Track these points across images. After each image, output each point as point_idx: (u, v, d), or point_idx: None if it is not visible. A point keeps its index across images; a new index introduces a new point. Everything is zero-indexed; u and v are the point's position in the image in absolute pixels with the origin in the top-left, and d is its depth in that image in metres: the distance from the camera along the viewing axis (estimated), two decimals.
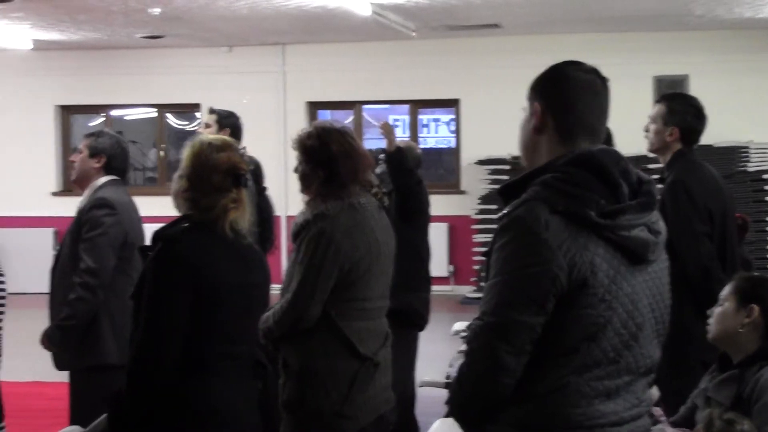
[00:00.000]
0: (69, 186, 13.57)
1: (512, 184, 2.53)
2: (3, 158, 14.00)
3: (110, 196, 4.70)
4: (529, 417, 2.42)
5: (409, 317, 5.70)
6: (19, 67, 14.08)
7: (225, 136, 3.47)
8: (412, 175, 5.78)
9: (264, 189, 6.71)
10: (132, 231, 4.76)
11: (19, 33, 12.48)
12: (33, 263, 11.93)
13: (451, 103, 13.77)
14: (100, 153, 4.78)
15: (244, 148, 5.33)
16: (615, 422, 2.44)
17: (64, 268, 4.69)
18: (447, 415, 6.15)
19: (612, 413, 2.44)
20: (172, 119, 14.73)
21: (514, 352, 2.38)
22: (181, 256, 3.11)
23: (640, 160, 9.59)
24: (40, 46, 13.29)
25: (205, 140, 3.32)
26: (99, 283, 4.57)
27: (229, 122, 6.45)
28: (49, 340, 4.63)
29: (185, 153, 3.31)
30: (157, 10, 10.68)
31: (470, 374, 2.45)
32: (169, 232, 3.19)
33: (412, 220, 5.72)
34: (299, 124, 12.53)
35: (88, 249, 4.59)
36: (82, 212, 4.69)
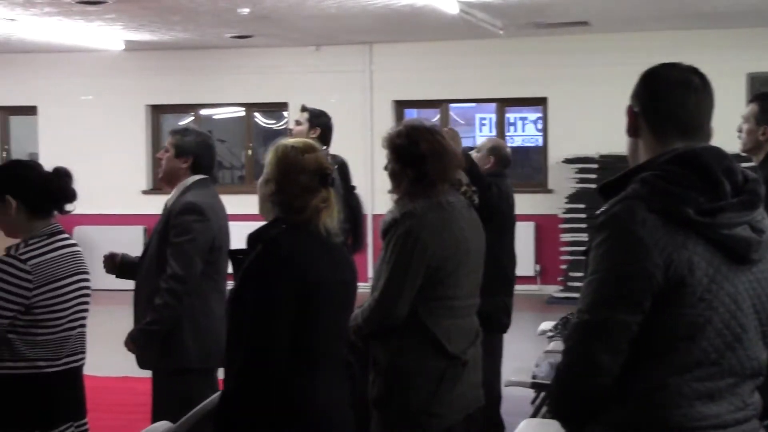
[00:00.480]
0: (158, 184, 13.76)
1: (611, 182, 2.52)
2: (95, 157, 14.25)
3: (200, 201, 4.68)
4: (629, 417, 2.39)
5: (489, 320, 5.65)
6: (111, 68, 14.33)
7: (305, 139, 3.44)
8: (480, 179, 5.66)
9: (353, 187, 6.71)
10: (219, 235, 4.75)
11: (111, 34, 12.70)
12: None
13: (539, 102, 13.65)
14: (187, 153, 4.76)
15: (325, 148, 5.32)
16: (717, 425, 2.40)
17: (150, 267, 4.71)
18: (533, 416, 6.11)
19: (714, 416, 2.39)
20: (260, 118, 14.86)
21: (609, 351, 2.36)
22: (283, 256, 3.13)
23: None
24: (132, 46, 13.51)
25: (288, 144, 3.32)
26: (185, 290, 4.58)
27: (320, 122, 6.44)
28: (133, 342, 4.66)
29: (269, 158, 3.30)
30: (246, 10, 10.77)
31: (567, 373, 2.44)
32: (269, 234, 3.20)
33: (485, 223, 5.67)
34: (386, 123, 12.55)
35: (175, 255, 4.60)
36: (172, 215, 4.70)
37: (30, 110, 14.78)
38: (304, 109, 6.55)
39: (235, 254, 3.31)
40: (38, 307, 3.63)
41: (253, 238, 3.22)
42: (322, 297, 3.16)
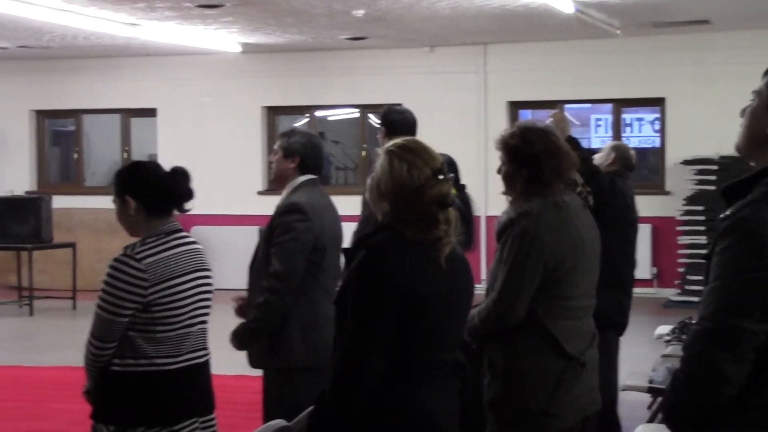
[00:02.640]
0: (272, 185, 13.93)
1: (736, 185, 2.40)
2: (212, 158, 14.49)
3: (303, 201, 4.70)
4: (751, 427, 2.30)
5: (603, 318, 5.55)
6: (228, 70, 14.56)
7: (415, 139, 3.31)
8: (594, 176, 5.50)
9: (463, 186, 6.65)
10: (324, 235, 4.74)
11: (228, 37, 12.90)
12: (239, 260, 12.31)
13: (656, 102, 13.42)
14: (294, 153, 4.79)
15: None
16: None
17: (259, 268, 4.76)
18: (649, 421, 6.01)
19: None
20: (374, 119, 14.91)
21: (734, 360, 2.26)
22: (384, 267, 3.05)
23: None
24: (248, 49, 13.70)
25: (398, 150, 3.18)
26: (287, 288, 4.60)
27: (386, 120, 6.16)
28: (237, 339, 4.71)
29: (380, 161, 3.22)
30: (360, 12, 10.82)
31: (686, 382, 2.34)
32: (372, 241, 3.15)
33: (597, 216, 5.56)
34: (500, 124, 12.48)
35: (277, 253, 4.62)
36: (275, 215, 4.75)
37: (150, 112, 15.11)
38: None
39: (346, 253, 3.29)
40: (156, 305, 3.68)
41: (359, 242, 3.20)
42: (427, 306, 3.09)
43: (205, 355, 3.89)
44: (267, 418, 4.65)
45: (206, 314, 3.87)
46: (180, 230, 3.85)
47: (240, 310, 4.84)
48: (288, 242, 4.62)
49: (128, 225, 3.83)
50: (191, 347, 3.80)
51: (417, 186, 3.10)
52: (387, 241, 3.12)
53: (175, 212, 3.87)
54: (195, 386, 3.85)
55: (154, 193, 3.79)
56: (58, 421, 7.20)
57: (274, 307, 4.61)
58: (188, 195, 3.85)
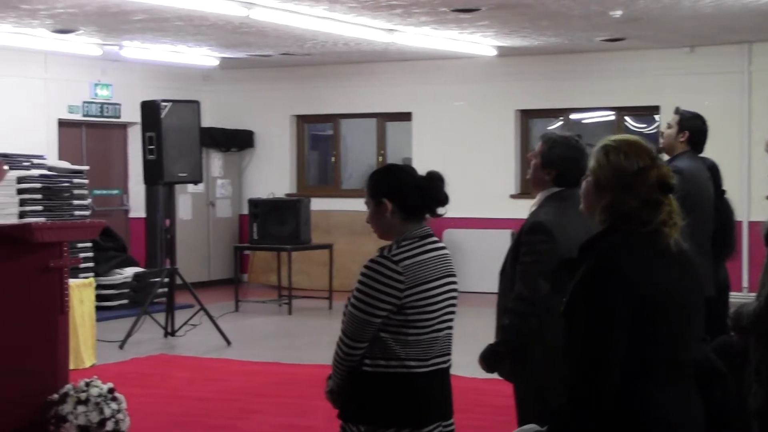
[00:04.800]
0: (526, 189, 13.87)
1: None
2: (465, 161, 14.56)
3: (548, 219, 4.59)
4: None
5: None
6: (483, 74, 14.59)
7: (631, 135, 3.23)
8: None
9: (723, 192, 6.41)
10: (571, 252, 4.63)
11: (483, 41, 12.93)
12: (490, 264, 12.31)
13: None
14: (552, 165, 4.68)
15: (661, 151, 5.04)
16: None
17: (506, 281, 4.71)
18: None
19: None
20: (630, 122, 14.58)
21: None
22: (618, 271, 2.98)
23: None
24: (503, 52, 13.68)
25: (619, 146, 3.12)
26: (530, 310, 4.53)
27: (689, 124, 6.21)
28: (484, 362, 4.68)
29: (596, 160, 3.13)
30: (618, 13, 10.60)
31: None
32: (601, 247, 3.07)
33: None
34: (765, 126, 11.94)
35: (521, 274, 4.55)
36: (522, 231, 4.67)
37: (405, 116, 15.34)
38: (676, 111, 6.34)
39: (568, 263, 3.21)
40: (409, 308, 3.70)
41: (585, 248, 3.11)
42: (662, 306, 2.99)
43: (449, 360, 3.89)
44: (521, 424, 4.64)
45: (452, 320, 3.87)
46: (432, 234, 3.86)
47: None
48: (530, 264, 4.53)
49: (381, 227, 3.85)
50: (438, 352, 3.81)
51: (636, 170, 3.06)
52: (616, 243, 3.05)
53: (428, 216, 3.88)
54: (440, 390, 3.85)
55: (410, 197, 3.80)
56: (315, 417, 7.39)
57: (519, 330, 4.55)
58: (443, 200, 3.86)
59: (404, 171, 3.92)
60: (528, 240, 4.58)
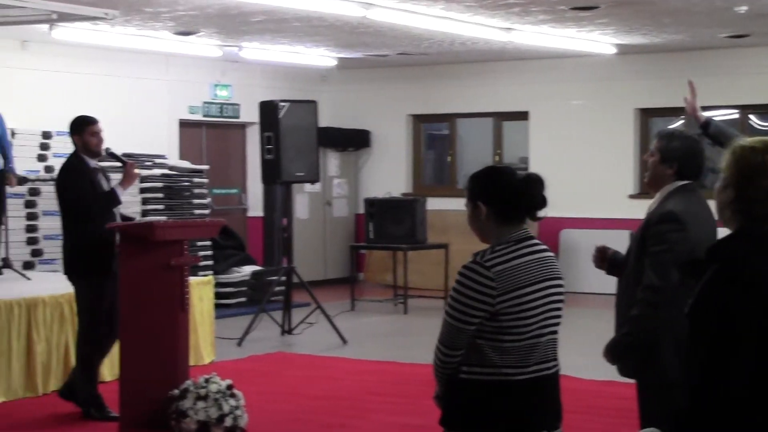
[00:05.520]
0: (645, 188, 13.63)
1: None
2: (583, 161, 14.40)
3: (678, 209, 4.52)
4: None
5: None
6: (602, 72, 14.40)
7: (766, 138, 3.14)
8: None
9: None
10: (700, 245, 4.54)
11: (602, 38, 12.76)
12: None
13: None
14: (672, 159, 4.63)
15: None
16: None
17: (628, 277, 4.65)
18: None
19: None
20: (754, 120, 14.23)
21: None
22: (742, 279, 2.87)
23: None
24: (623, 50, 13.49)
25: (746, 144, 3.04)
26: (661, 301, 4.46)
27: None
28: (610, 353, 4.61)
29: (724, 160, 3.04)
30: (743, 8, 10.35)
31: None
32: (724, 252, 2.97)
33: None
34: None
35: (651, 265, 4.48)
36: (650, 223, 4.60)
37: (522, 115, 15.23)
38: None
39: (695, 264, 3.10)
40: (504, 314, 3.61)
41: (710, 253, 3.01)
42: None
43: (554, 366, 3.77)
44: (644, 425, 4.54)
45: (556, 324, 3.76)
46: (531, 238, 3.76)
47: (599, 254, 4.77)
48: (662, 253, 4.46)
49: (479, 230, 3.80)
50: (540, 358, 3.70)
51: (761, 162, 2.95)
52: (744, 247, 2.93)
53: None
54: (543, 398, 3.75)
55: (505, 200, 3.73)
56: (430, 417, 7.34)
57: (648, 321, 4.47)
58: (542, 203, 3.76)
59: (501, 174, 3.83)
60: (658, 230, 4.50)
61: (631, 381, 4.82)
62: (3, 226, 9.76)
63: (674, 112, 14.29)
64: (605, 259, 4.80)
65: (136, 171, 7.49)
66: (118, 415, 7.03)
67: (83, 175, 7.29)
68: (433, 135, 16.72)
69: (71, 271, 7.41)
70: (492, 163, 15.00)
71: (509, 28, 11.74)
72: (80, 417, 7.39)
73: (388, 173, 16.03)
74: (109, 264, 7.16)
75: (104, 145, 7.43)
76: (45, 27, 10.69)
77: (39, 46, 12.28)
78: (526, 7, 10.44)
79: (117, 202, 7.29)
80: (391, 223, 13.19)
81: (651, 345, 4.49)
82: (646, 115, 14.54)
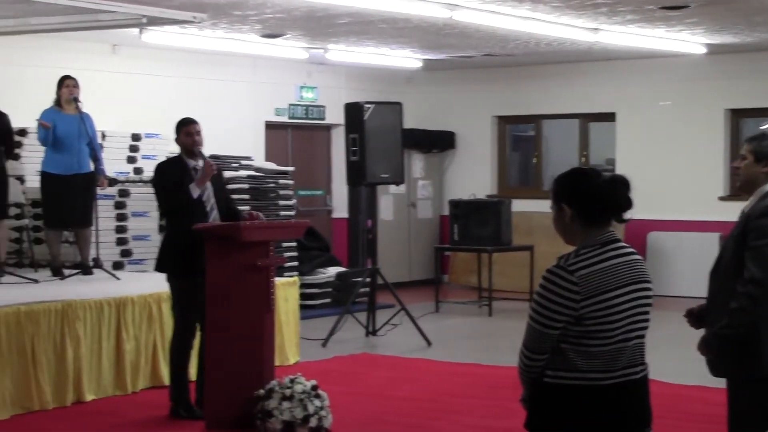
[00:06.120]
0: (736, 192, 13.39)
1: None
2: (671, 163, 14.21)
3: None
4: None
5: None
6: (691, 72, 14.19)
7: None
8: None
9: None
10: None
11: (691, 38, 12.56)
12: (695, 267, 11.98)
13: None
14: (766, 158, 4.61)
15: None
16: None
17: (725, 274, 4.59)
18: None
19: None
20: None
21: None
22: None
23: None
24: (713, 50, 13.26)
25: None
26: (763, 294, 4.41)
27: None
28: (706, 346, 4.57)
29: None
30: None
31: None
32: None
33: None
34: None
35: (754, 258, 4.45)
36: (750, 218, 4.55)
37: (608, 117, 15.06)
38: None
39: None
40: (588, 318, 3.58)
41: None
42: None
43: (642, 370, 3.72)
44: (734, 429, 4.51)
45: (644, 328, 3.70)
46: (617, 240, 3.71)
47: (692, 319, 4.70)
48: (765, 247, 4.43)
49: (564, 233, 3.77)
50: (627, 362, 3.65)
51: None
52: None
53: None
54: (630, 403, 3.70)
55: (589, 202, 3.69)
56: (514, 420, 7.29)
57: (748, 314, 4.43)
58: (627, 205, 3.72)
59: (586, 176, 3.79)
60: (760, 224, 4.48)
61: (721, 385, 4.75)
62: (93, 227, 9.93)
63: (766, 112, 14.04)
64: (696, 317, 4.74)
65: (213, 168, 7.51)
66: (203, 414, 7.12)
67: (168, 174, 7.42)
68: (518, 136, 16.63)
69: (159, 267, 7.55)
70: (578, 164, 14.90)
71: (596, 29, 11.62)
72: (168, 416, 7.48)
73: (472, 175, 15.99)
74: (193, 263, 7.23)
75: (202, 146, 7.51)
76: (135, 31, 10.87)
77: (129, 49, 12.50)
78: (614, 7, 10.32)
79: (189, 198, 7.31)
80: (475, 225, 13.15)
81: (749, 338, 4.44)
82: (737, 115, 14.28)
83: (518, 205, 14.01)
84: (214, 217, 7.40)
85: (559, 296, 3.57)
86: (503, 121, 16.15)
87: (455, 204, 13.56)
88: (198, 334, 7.50)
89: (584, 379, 3.61)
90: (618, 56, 14.04)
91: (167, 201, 7.45)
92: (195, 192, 7.30)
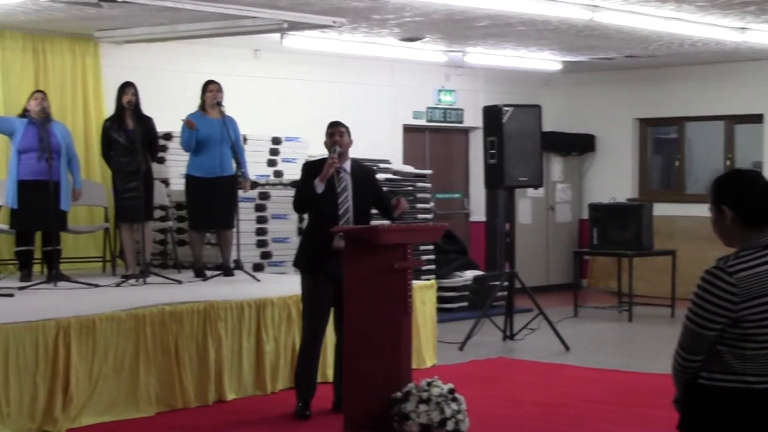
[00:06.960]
0: None
1: None
2: None
3: None
4: None
5: None
6: None
7: None
8: None
9: None
10: None
11: None
12: None
13: None
14: None
15: None
16: None
17: None
18: None
19: None
20: None
21: None
22: None
23: None
24: None
25: None
26: None
27: None
28: None
29: None
30: None
31: None
32: None
33: None
34: None
35: None
36: None
37: (756, 118, 14.65)
38: None
39: None
40: (746, 321, 3.53)
41: None
42: None
43: None
44: None
45: None
46: None
47: None
48: None
49: (723, 235, 3.72)
50: None
51: None
52: None
53: None
54: None
55: (750, 205, 3.63)
56: (656, 428, 7.19)
57: None
58: None
59: (747, 177, 3.73)
60: None
61: None
62: (234, 229, 10.12)
63: None
64: None
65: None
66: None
67: (306, 171, 7.58)
68: (660, 139, 16.31)
69: (293, 262, 7.83)
70: (723, 168, 14.53)
71: (744, 28, 11.31)
72: (303, 416, 7.57)
73: (612, 178, 15.75)
74: (316, 261, 7.36)
75: (343, 148, 7.58)
76: (276, 36, 11.05)
77: (270, 54, 12.70)
78: (763, 6, 10.02)
79: (313, 192, 7.37)
80: (616, 229, 12.96)
81: None
82: None
83: (660, 209, 13.74)
84: (347, 219, 7.44)
85: (717, 297, 3.54)
86: (645, 123, 15.86)
87: (595, 207, 13.40)
88: (335, 337, 7.58)
89: (740, 382, 3.58)
90: (766, 56, 13.64)
91: (295, 195, 7.67)
92: (319, 187, 7.38)
